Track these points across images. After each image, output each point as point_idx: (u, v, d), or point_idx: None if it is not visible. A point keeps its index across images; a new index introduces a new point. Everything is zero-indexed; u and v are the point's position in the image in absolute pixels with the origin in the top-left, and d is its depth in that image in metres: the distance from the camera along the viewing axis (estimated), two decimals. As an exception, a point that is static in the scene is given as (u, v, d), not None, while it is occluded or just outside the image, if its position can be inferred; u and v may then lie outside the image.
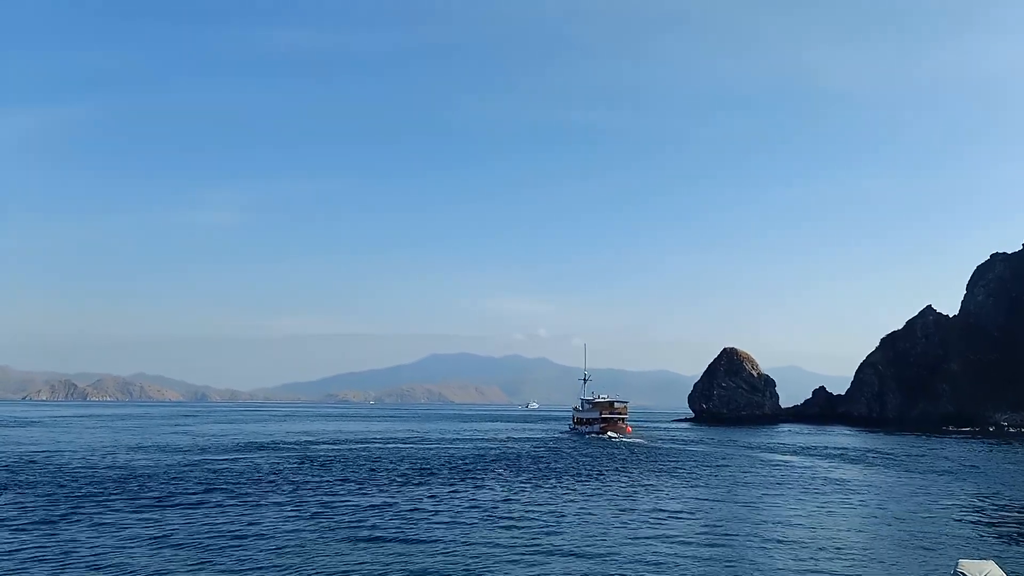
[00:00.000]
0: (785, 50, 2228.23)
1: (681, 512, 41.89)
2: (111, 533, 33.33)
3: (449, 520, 37.81)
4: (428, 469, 62.71)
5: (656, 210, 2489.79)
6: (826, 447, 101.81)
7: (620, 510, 42.24)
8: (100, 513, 38.29)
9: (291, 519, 37.26)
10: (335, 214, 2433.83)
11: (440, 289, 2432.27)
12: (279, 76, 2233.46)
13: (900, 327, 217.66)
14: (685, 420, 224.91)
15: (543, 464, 69.46)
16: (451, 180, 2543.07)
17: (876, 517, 42.25)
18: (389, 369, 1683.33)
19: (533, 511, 41.11)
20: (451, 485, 51.89)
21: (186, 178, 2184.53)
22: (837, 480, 60.65)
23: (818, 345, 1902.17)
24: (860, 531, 37.70)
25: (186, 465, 62.77)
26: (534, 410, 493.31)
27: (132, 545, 30.93)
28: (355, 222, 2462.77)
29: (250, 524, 35.76)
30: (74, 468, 59.54)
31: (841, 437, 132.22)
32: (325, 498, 44.38)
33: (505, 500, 45.13)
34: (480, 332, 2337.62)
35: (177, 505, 41.02)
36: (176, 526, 35.05)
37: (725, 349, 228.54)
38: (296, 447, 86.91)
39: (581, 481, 56.01)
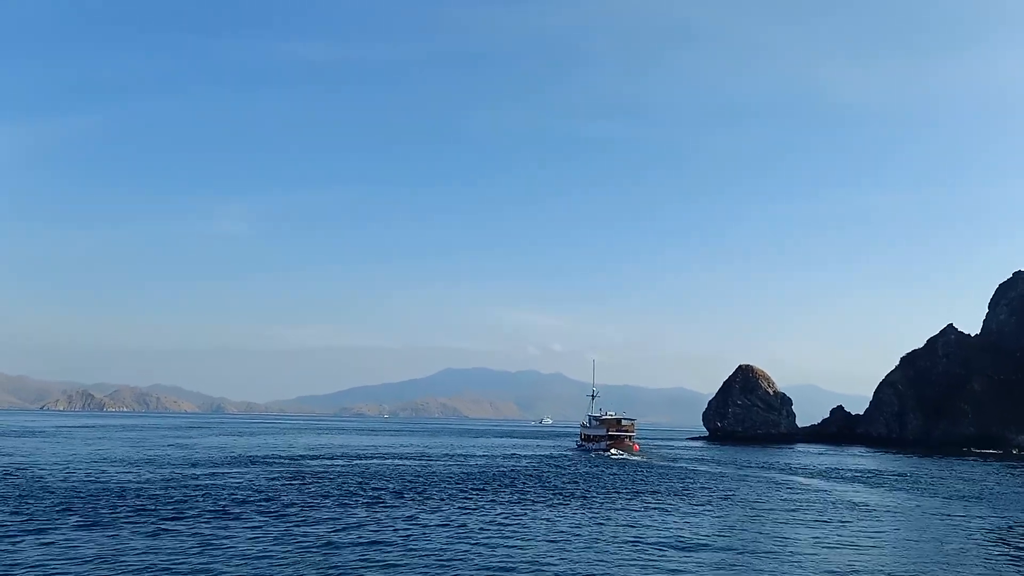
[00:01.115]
0: (797, 63, 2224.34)
1: (682, 541, 38.65)
2: (54, 554, 30.76)
3: (401, 541, 35.07)
4: (413, 487, 59.79)
5: (672, 223, 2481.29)
6: (845, 469, 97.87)
7: (608, 538, 39.07)
8: (47, 531, 35.73)
9: (251, 540, 34.55)
10: (350, 225, 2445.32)
11: (455, 303, 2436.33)
12: (294, 86, 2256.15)
13: (920, 345, 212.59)
14: (699, 439, 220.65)
15: (537, 484, 66.25)
16: (467, 192, 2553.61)
17: (897, 546, 39.00)
18: (403, 383, 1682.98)
19: (506, 537, 38.17)
20: (422, 505, 48.99)
21: (201, 189, 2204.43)
22: (857, 505, 57.15)
23: (836, 363, 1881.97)
24: (880, 560, 34.46)
25: (164, 480, 60.23)
26: (548, 426, 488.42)
27: (70, 568, 28.33)
28: (370, 234, 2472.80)
29: (206, 547, 33.08)
30: (43, 483, 57.16)
31: (860, 458, 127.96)
32: (295, 518, 41.62)
33: (481, 523, 42.15)
34: (495, 346, 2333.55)
35: (135, 524, 38.41)
36: (127, 548, 32.42)
37: (740, 366, 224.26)
38: (288, 462, 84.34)
39: (569, 504, 52.87)
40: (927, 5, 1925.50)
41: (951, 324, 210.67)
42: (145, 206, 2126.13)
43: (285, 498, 49.71)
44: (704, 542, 38.10)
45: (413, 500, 50.91)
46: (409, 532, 38.05)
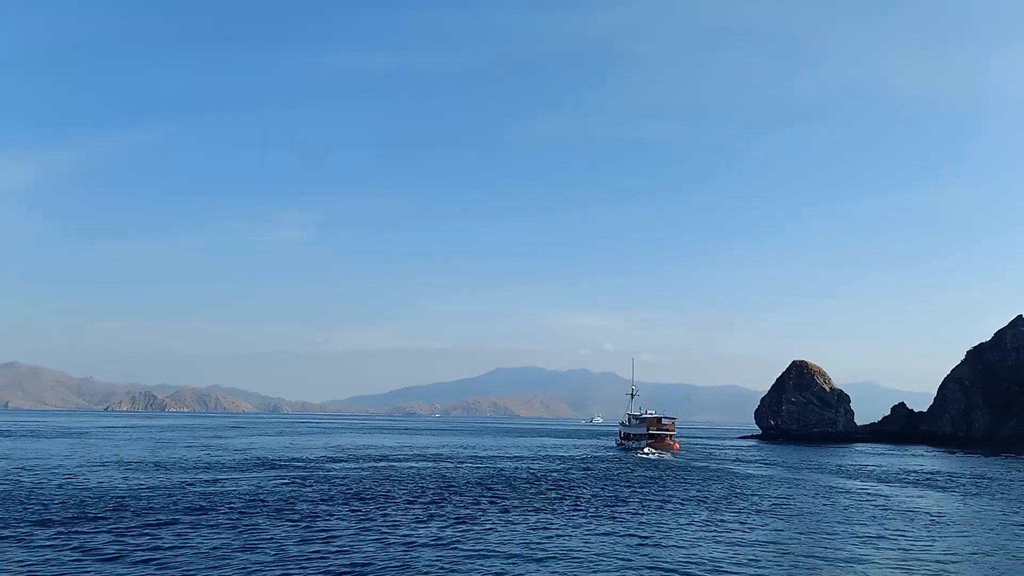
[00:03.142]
0: (855, 60, 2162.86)
1: (721, 560, 32.93)
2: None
3: (375, 550, 30.08)
4: (419, 491, 54.90)
5: (728, 223, 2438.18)
6: (909, 471, 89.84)
7: (633, 554, 33.55)
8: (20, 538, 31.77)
9: (231, 553, 30.02)
10: (402, 230, 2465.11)
11: (506, 303, 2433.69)
12: (349, 97, 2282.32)
13: (988, 339, 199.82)
14: (751, 437, 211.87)
15: (562, 486, 60.72)
16: (519, 194, 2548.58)
17: (968, 561, 32.67)
18: (455, 382, 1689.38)
19: (499, 549, 32.90)
20: (419, 512, 43.98)
21: (258, 198, 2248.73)
22: (922, 512, 50.54)
23: (897, 360, 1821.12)
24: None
25: (169, 486, 56.54)
26: (598, 424, 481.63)
27: None
28: (423, 238, 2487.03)
29: (131, 561, 28.64)
30: (51, 487, 53.97)
31: (924, 459, 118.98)
32: (288, 524, 37.07)
33: (448, 535, 36.92)
34: (546, 347, 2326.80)
35: (71, 533, 34.22)
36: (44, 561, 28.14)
37: (795, 362, 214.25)
38: (312, 465, 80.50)
39: (593, 512, 47.24)
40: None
41: (1020, 315, 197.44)
42: (206, 216, 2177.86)
43: (284, 503, 45.33)
44: (733, 561, 32.31)
45: (386, 508, 45.99)
46: (367, 547, 33.16)
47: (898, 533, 40.96)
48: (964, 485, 72.48)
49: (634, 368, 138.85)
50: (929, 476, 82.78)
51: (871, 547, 36.57)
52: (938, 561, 33.55)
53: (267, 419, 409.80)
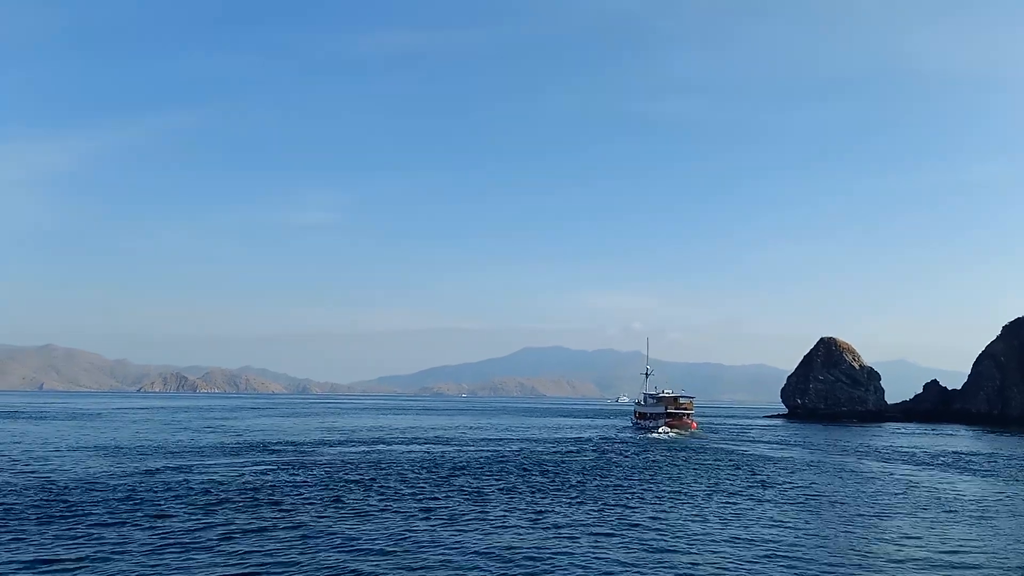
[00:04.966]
0: (884, 33, 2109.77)
1: (735, 553, 28.11)
2: None
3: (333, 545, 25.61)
4: (401, 476, 50.55)
5: (755, 200, 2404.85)
6: (945, 452, 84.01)
7: (633, 547, 28.80)
8: None
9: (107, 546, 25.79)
10: (431, 210, 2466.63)
11: (533, 283, 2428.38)
12: (368, 77, 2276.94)
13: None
14: (777, 416, 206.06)
15: (545, 473, 56.07)
16: (542, 172, 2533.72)
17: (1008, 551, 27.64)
18: (482, 362, 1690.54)
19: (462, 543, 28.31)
20: (374, 501, 39.53)
21: (286, 180, 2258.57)
22: (964, 499, 45.47)
23: (929, 337, 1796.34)
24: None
25: (140, 474, 52.83)
26: (623, 404, 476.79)
27: None
28: (449, 218, 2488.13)
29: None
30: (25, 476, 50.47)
31: (959, 439, 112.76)
32: (178, 523, 32.85)
33: (407, 528, 32.41)
34: (573, 326, 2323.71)
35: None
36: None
37: (823, 339, 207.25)
38: (306, 448, 76.77)
39: (596, 498, 42.51)
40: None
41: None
42: (236, 199, 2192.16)
43: (191, 500, 41.19)
44: (744, 560, 27.43)
45: (363, 496, 41.61)
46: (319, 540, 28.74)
47: (942, 529, 35.67)
48: (1007, 468, 66.74)
49: (649, 348, 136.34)
50: (966, 458, 76.99)
51: (913, 546, 31.42)
52: (983, 549, 28.41)
53: (287, 400, 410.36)
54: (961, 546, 31.59)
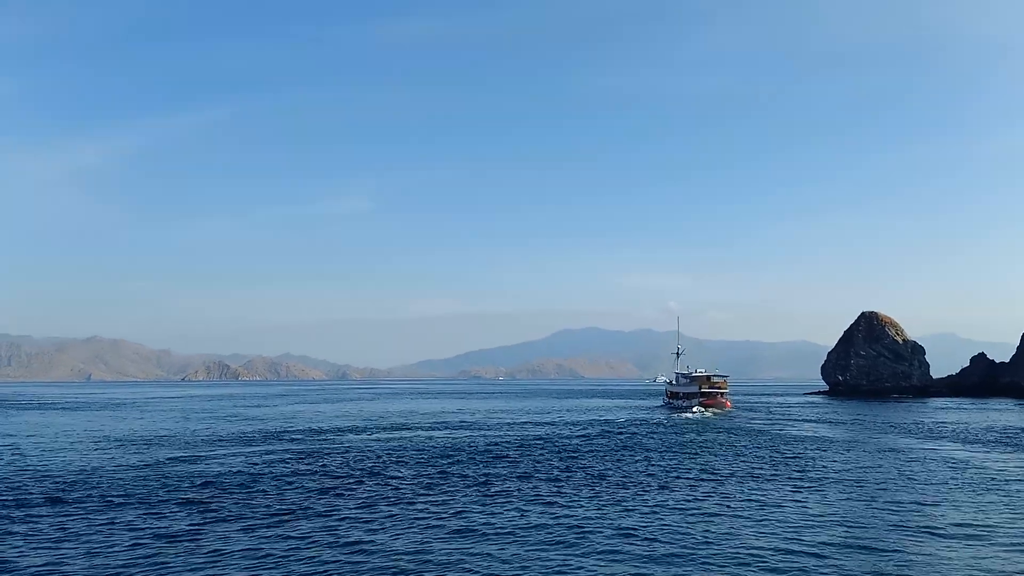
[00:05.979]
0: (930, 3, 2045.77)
1: (761, 547, 25.53)
2: None
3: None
4: (403, 461, 48.56)
5: (791, 172, 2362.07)
6: (995, 428, 79.75)
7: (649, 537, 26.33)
8: None
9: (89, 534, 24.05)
10: (467, 198, 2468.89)
11: (569, 265, 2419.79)
12: (405, 69, 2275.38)
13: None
14: (817, 393, 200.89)
15: (578, 455, 53.63)
16: (577, 152, 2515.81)
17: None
18: (519, 345, 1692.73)
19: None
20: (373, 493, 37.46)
21: (325, 170, 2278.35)
22: (1008, 478, 42.15)
23: (975, 310, 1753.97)
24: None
25: (144, 466, 51.67)
26: (661, 384, 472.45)
27: None
28: (481, 202, 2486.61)
29: None
30: (35, 467, 49.64)
31: (1009, 414, 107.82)
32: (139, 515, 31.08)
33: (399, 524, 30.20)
34: (611, 307, 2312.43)
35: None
36: None
37: (864, 313, 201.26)
38: (320, 436, 75.42)
39: (610, 487, 40.02)
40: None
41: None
42: (275, 190, 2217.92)
43: (184, 492, 39.53)
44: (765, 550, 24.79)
45: (358, 487, 39.62)
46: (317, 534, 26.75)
47: (998, 519, 32.54)
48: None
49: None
50: (1017, 434, 72.81)
51: (965, 541, 28.46)
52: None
53: (320, 386, 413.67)
54: (999, 528, 28.55)
